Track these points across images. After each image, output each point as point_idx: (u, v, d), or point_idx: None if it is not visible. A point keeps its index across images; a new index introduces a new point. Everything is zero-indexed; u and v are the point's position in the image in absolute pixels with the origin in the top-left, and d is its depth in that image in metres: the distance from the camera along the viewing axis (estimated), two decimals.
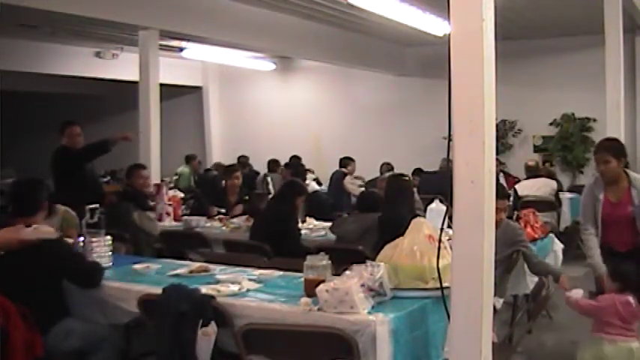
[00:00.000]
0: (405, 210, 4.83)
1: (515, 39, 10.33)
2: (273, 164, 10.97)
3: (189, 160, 12.50)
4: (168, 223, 6.55)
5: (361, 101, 12.94)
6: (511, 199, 8.53)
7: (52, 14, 6.89)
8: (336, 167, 10.45)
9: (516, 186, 8.67)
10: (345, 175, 10.03)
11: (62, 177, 6.30)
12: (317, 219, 6.45)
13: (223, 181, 7.27)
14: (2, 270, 3.44)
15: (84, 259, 3.87)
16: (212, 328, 3.13)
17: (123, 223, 5.56)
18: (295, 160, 10.89)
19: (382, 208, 5.09)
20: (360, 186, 9.52)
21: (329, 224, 5.64)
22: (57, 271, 3.57)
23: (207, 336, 3.11)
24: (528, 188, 8.54)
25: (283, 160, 10.98)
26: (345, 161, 10.39)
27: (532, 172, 9.05)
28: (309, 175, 9.96)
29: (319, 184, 10.51)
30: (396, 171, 8.46)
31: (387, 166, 10.24)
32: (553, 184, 8.78)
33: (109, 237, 4.18)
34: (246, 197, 7.17)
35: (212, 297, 3.26)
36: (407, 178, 5.66)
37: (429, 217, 4.79)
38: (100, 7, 6.85)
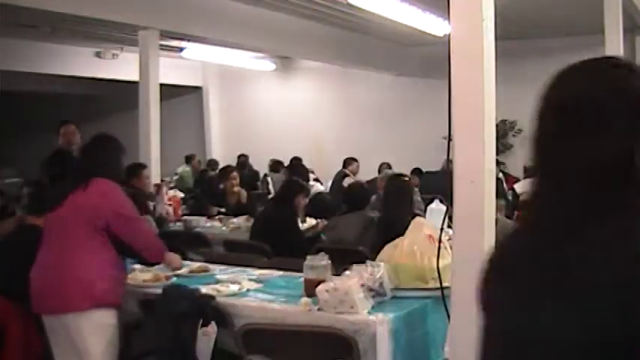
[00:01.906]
0: (404, 211, 4.82)
1: (515, 39, 10.32)
2: (276, 164, 10.93)
3: (189, 160, 12.47)
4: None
5: (361, 101, 12.93)
6: (510, 198, 8.61)
7: (52, 14, 6.88)
8: (337, 167, 10.45)
9: (515, 185, 8.74)
10: (346, 175, 10.03)
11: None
12: (316, 218, 6.43)
13: (221, 184, 7.28)
14: (1, 268, 3.43)
15: None
16: (212, 328, 3.13)
17: None
18: (296, 161, 10.87)
19: (382, 208, 5.08)
20: None
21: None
22: None
23: (207, 336, 3.11)
24: (526, 187, 8.61)
25: (285, 160, 10.96)
26: (348, 161, 10.39)
27: (530, 173, 9.10)
28: (311, 176, 9.95)
29: (320, 183, 10.49)
30: (396, 171, 8.46)
31: (385, 166, 10.23)
32: None
33: None
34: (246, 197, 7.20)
35: (212, 297, 3.26)
36: (407, 178, 5.65)
37: (429, 217, 4.78)
38: (100, 7, 6.84)
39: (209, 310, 3.17)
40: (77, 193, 3.21)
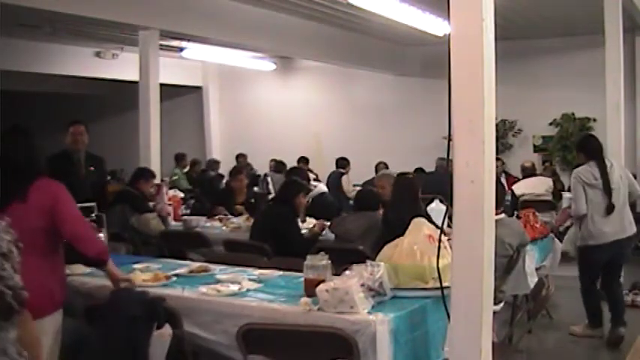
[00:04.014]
0: (410, 209, 4.80)
1: (515, 39, 10.32)
2: (279, 165, 10.91)
3: (178, 160, 12.35)
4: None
5: (361, 101, 12.94)
6: (508, 198, 8.65)
7: (52, 14, 6.89)
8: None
9: (513, 186, 8.76)
10: (343, 174, 10.03)
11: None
12: (318, 219, 6.42)
13: (225, 182, 7.31)
14: None
15: None
16: (167, 330, 3.10)
17: (120, 224, 5.56)
18: (302, 162, 10.88)
19: (388, 207, 5.07)
20: (355, 185, 9.55)
21: (328, 224, 5.63)
22: None
23: (161, 339, 3.08)
24: (524, 187, 8.66)
25: (285, 159, 10.97)
26: (343, 162, 10.39)
27: (528, 172, 9.14)
28: (311, 176, 9.95)
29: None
30: (394, 170, 8.44)
31: (382, 165, 10.23)
32: (548, 181, 8.86)
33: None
34: (252, 200, 7.22)
35: (163, 299, 3.22)
36: (412, 177, 5.63)
37: None
38: (100, 7, 6.84)
39: (161, 312, 3.12)
40: (21, 194, 3.08)
